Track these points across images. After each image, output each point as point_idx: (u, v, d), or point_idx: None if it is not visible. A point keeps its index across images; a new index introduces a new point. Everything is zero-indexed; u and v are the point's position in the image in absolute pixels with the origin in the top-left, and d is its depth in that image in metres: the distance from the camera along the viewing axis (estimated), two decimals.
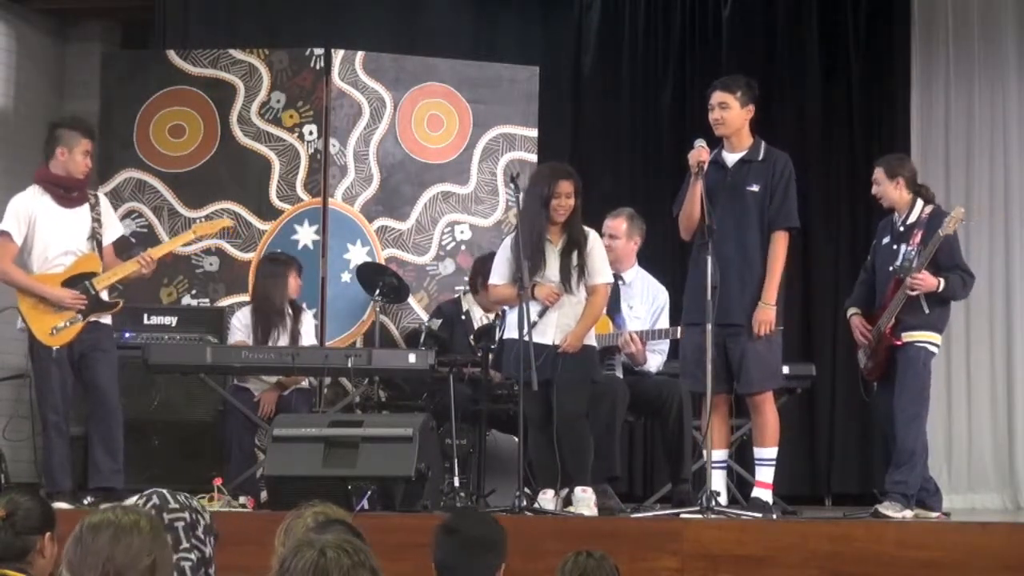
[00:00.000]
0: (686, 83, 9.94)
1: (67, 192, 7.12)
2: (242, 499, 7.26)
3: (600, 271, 6.99)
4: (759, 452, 6.84)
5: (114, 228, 7.31)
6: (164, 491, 3.50)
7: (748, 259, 6.72)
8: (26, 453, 9.75)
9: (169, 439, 8.37)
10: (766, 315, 6.68)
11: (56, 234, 7.09)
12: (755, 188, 6.76)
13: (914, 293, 6.96)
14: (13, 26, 9.96)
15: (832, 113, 9.91)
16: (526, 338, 6.64)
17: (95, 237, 7.15)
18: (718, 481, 6.70)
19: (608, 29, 10.12)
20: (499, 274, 7.06)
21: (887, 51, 9.82)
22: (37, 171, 7.28)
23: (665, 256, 8.92)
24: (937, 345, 7.16)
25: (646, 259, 8.19)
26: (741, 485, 7.76)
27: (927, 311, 7.02)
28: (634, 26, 10.11)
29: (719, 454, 6.80)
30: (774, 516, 6.71)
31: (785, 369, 8.16)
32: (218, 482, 7.01)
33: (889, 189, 7.19)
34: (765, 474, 6.81)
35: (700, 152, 6.68)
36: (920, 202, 7.18)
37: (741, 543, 5.97)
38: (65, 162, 7.11)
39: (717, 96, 6.82)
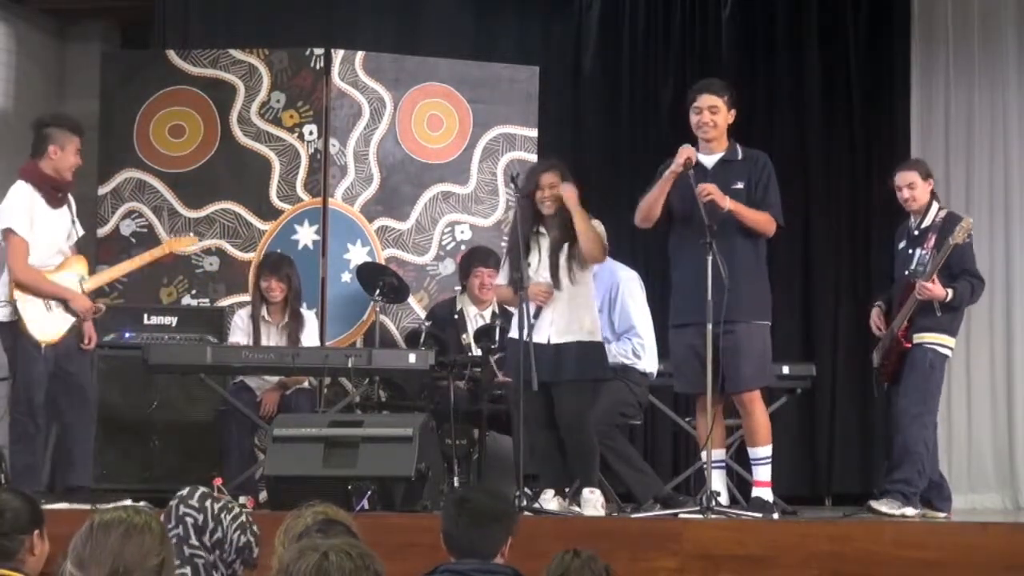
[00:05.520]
0: (686, 83, 9.89)
1: (56, 191, 7.06)
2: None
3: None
4: (753, 452, 6.84)
5: (78, 228, 7.28)
6: (203, 489, 3.57)
7: (734, 258, 6.70)
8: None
9: (169, 439, 8.36)
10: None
11: (48, 233, 7.03)
12: (740, 186, 6.79)
13: (922, 298, 7.02)
14: (13, 26, 9.95)
15: (832, 113, 9.90)
16: (525, 338, 6.63)
17: (74, 237, 7.14)
18: (718, 481, 6.69)
19: (608, 29, 10.12)
20: (501, 275, 7.09)
21: (887, 51, 9.82)
22: (24, 169, 7.13)
23: (663, 256, 8.89)
24: (950, 348, 7.22)
25: (644, 260, 8.17)
26: (741, 485, 7.76)
27: (939, 314, 7.11)
28: (634, 26, 10.10)
29: (717, 454, 6.80)
30: (774, 516, 6.71)
31: (785, 369, 8.20)
32: (218, 482, 6.97)
33: (926, 191, 7.24)
34: (762, 473, 6.81)
35: (691, 149, 6.72)
36: (936, 205, 7.29)
37: (741, 543, 5.96)
38: (57, 161, 7.01)
39: (707, 99, 6.84)
